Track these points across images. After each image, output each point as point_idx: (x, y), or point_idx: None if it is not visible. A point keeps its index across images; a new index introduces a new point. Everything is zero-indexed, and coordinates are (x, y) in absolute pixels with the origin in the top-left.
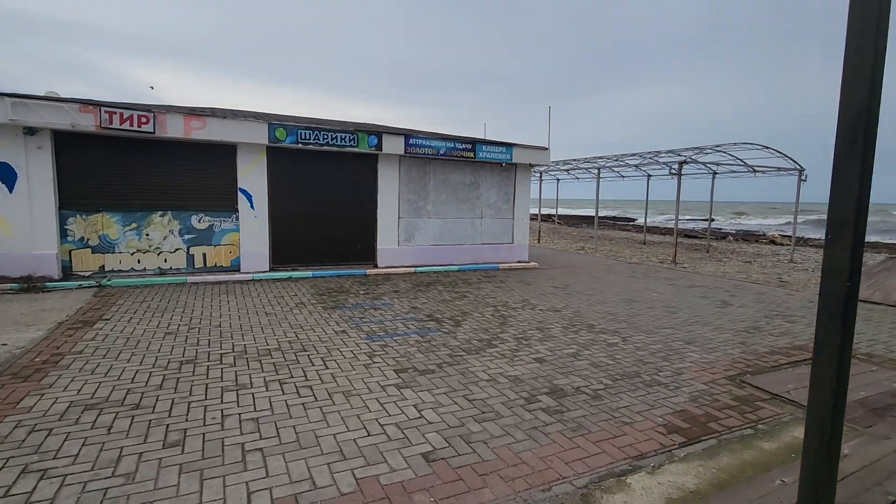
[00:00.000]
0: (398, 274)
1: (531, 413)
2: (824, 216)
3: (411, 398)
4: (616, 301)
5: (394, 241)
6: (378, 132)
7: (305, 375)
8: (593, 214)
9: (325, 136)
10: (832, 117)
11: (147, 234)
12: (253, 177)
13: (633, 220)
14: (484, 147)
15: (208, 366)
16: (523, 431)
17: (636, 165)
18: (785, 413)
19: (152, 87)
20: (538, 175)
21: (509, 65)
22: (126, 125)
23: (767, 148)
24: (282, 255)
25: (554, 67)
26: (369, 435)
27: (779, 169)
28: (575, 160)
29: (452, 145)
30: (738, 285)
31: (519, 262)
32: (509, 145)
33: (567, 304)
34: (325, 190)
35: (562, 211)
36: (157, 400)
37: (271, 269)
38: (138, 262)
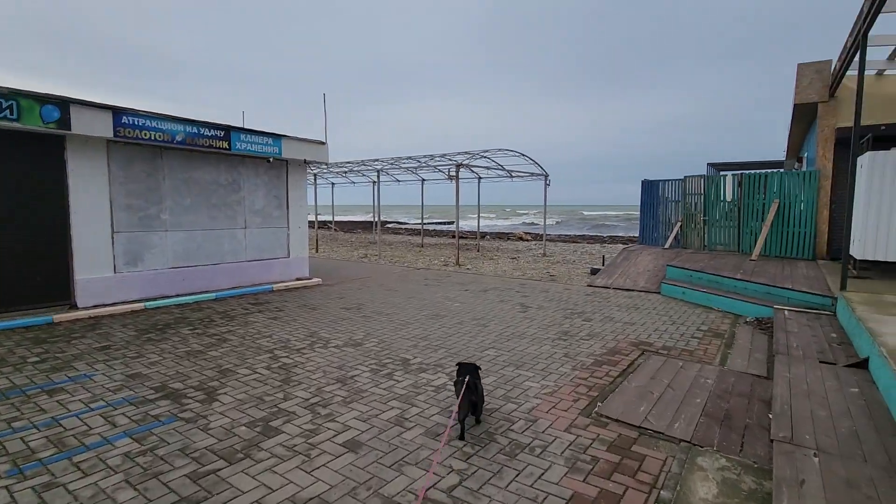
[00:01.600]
0: (116, 315)
1: None
2: (556, 217)
3: None
4: (421, 319)
5: (106, 267)
6: (62, 101)
7: None
8: (365, 219)
9: None
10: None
11: None
12: None
13: (389, 222)
14: (243, 136)
15: None
16: None
17: (414, 169)
18: (666, 457)
19: None
20: (312, 177)
21: (276, 66)
22: None
23: (524, 155)
24: None
25: (329, 76)
26: None
27: (532, 174)
28: (350, 162)
29: (196, 131)
30: (523, 284)
31: (298, 279)
32: (278, 136)
33: (367, 331)
34: None
35: (337, 217)
36: None
37: None
38: None
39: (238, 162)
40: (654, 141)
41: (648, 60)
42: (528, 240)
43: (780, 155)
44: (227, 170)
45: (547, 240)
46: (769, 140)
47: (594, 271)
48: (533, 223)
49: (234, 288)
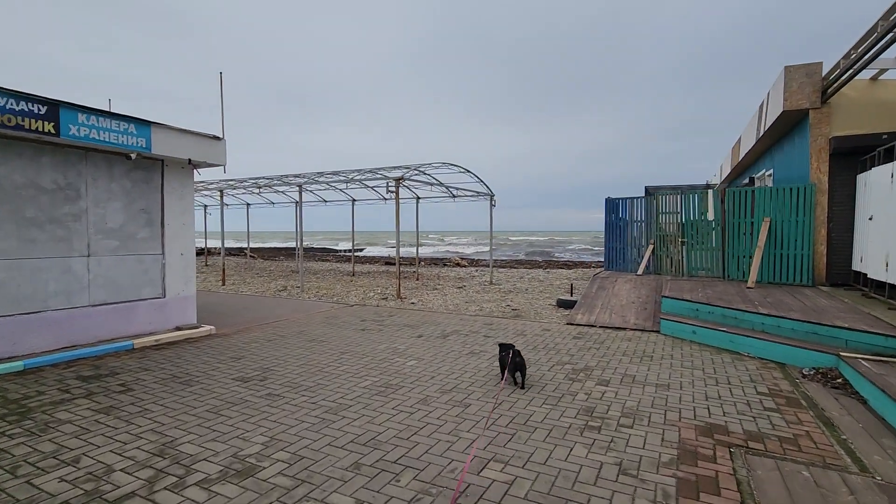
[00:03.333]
0: None
1: None
2: (481, 244)
3: None
4: (363, 396)
5: None
6: None
7: None
8: (288, 245)
9: None
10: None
11: None
12: None
13: (316, 248)
14: (83, 118)
15: None
16: None
17: (342, 187)
18: None
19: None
20: (218, 194)
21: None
22: None
23: (469, 171)
24: None
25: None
26: None
27: (478, 193)
28: (266, 178)
29: None
30: (488, 324)
31: (179, 328)
32: (144, 123)
33: (271, 431)
34: None
35: (256, 244)
36: None
37: None
38: None
39: (77, 157)
40: (582, 169)
41: (573, 95)
42: (465, 265)
43: (696, 180)
44: (57, 168)
45: (486, 265)
46: (689, 167)
47: (564, 304)
48: (477, 251)
49: (64, 349)
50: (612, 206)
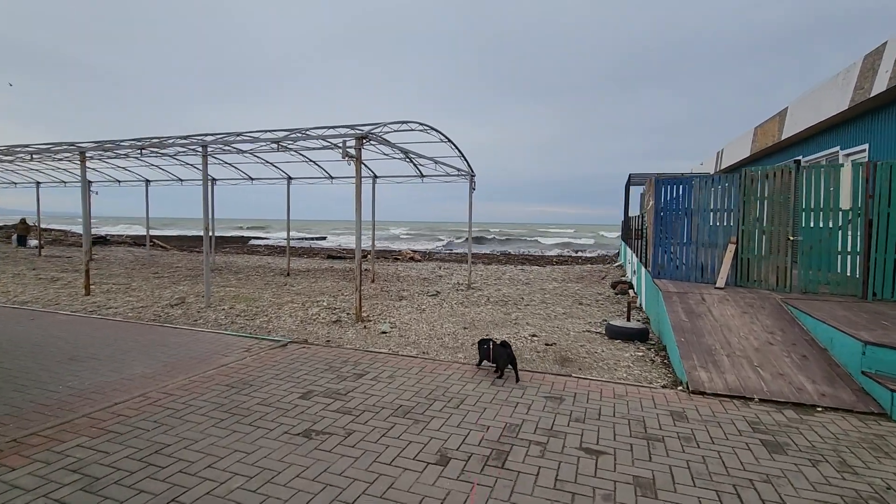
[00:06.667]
0: None
1: None
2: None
3: None
4: None
5: None
6: None
7: None
8: (232, 233)
9: None
10: None
11: None
12: None
13: (246, 237)
14: None
15: None
16: None
17: (271, 155)
18: None
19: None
20: (98, 165)
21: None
22: None
23: (449, 141)
24: None
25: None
26: None
27: (459, 171)
28: (155, 138)
29: None
30: (552, 398)
31: None
32: None
33: None
34: None
35: (173, 231)
36: None
37: None
38: None
39: None
40: (526, 163)
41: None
42: (420, 259)
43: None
44: None
45: (441, 259)
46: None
47: (621, 334)
48: (411, 243)
49: None
50: (665, 189)
